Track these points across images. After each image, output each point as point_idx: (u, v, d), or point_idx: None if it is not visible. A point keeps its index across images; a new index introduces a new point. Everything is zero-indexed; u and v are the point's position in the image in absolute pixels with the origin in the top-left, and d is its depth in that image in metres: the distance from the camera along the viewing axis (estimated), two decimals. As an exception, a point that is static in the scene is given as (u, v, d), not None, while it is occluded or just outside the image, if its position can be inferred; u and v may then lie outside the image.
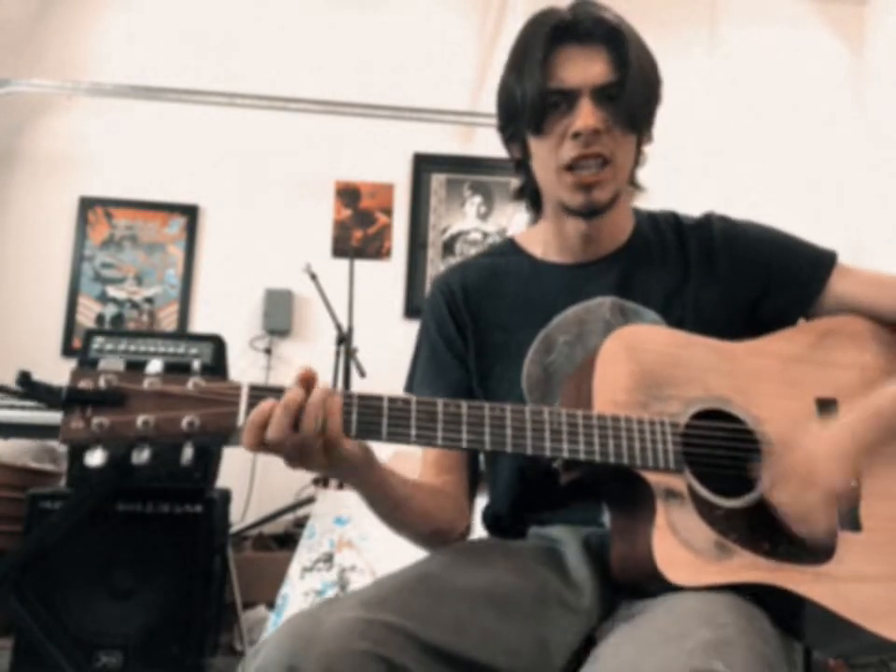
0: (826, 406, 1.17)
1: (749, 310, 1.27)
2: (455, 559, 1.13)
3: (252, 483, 3.71)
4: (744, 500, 1.08)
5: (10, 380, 0.98)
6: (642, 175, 1.34)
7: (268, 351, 4.10)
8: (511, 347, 1.28)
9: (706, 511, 1.05)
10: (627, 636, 0.93)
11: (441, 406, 1.02)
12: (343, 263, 3.70)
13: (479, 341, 1.31)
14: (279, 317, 4.12)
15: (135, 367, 0.96)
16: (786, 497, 1.07)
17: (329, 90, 4.16)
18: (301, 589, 2.38)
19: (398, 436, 1.00)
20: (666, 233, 1.33)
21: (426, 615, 0.98)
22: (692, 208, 1.40)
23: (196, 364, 0.98)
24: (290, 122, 4.18)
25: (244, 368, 3.86)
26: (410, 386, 1.37)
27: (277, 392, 0.98)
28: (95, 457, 0.94)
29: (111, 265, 4.17)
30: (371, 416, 1.00)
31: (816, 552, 1.06)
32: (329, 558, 2.45)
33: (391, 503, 1.16)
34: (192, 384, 0.95)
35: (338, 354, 3.50)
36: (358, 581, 2.32)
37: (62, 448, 3.23)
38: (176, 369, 0.98)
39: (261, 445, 0.96)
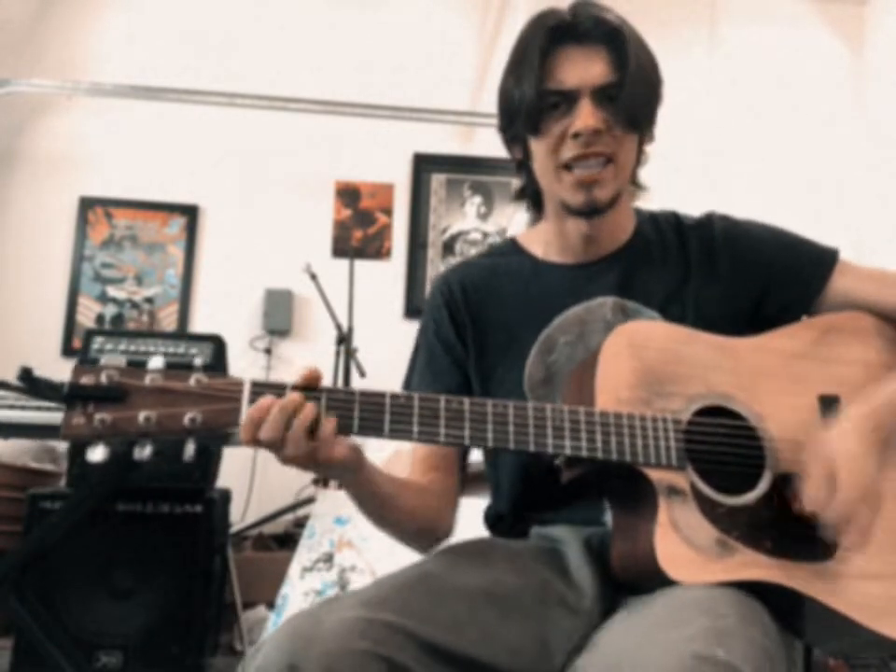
0: (829, 403, 1.17)
1: (751, 309, 1.27)
2: (455, 559, 1.12)
3: (252, 482, 3.71)
4: (746, 498, 1.08)
5: (11, 379, 0.98)
6: (642, 174, 1.34)
7: (268, 351, 4.10)
8: (512, 348, 1.28)
9: (708, 508, 1.05)
10: (626, 623, 0.94)
11: (444, 403, 1.02)
12: (343, 263, 3.70)
13: (479, 341, 1.31)
14: (279, 317, 4.12)
15: (136, 364, 0.96)
16: (830, 512, 1.04)
17: (329, 90, 4.17)
18: (300, 589, 2.38)
19: (400, 432, 1.00)
20: (667, 233, 1.33)
21: (426, 614, 0.98)
22: (691, 208, 1.40)
23: (198, 360, 0.98)
24: (290, 122, 4.19)
25: (244, 368, 3.85)
26: (407, 387, 1.36)
27: (279, 388, 0.98)
28: (97, 454, 0.94)
29: (111, 265, 4.17)
30: (373, 413, 1.00)
31: (817, 549, 1.06)
32: (328, 558, 2.45)
33: (378, 501, 1.17)
34: (194, 380, 0.95)
35: (338, 354, 3.50)
36: (358, 581, 2.32)
37: (62, 448, 3.23)
38: (178, 368, 0.98)
39: (256, 441, 0.97)
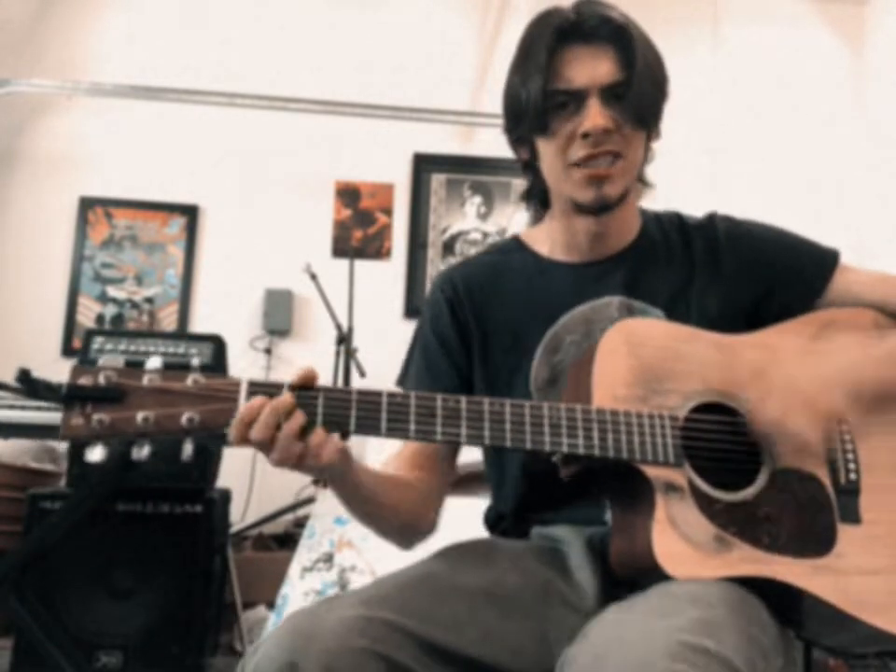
0: None
1: (753, 309, 1.27)
2: (456, 559, 1.13)
3: (252, 483, 3.70)
4: (744, 494, 1.08)
5: (10, 380, 0.98)
6: (646, 172, 1.34)
7: (268, 351, 4.10)
8: (517, 348, 1.27)
9: (705, 504, 1.05)
10: (617, 615, 0.94)
11: (440, 401, 1.02)
12: (343, 263, 3.70)
13: (483, 342, 1.30)
14: (279, 317, 4.12)
15: (133, 366, 0.96)
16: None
17: (329, 90, 4.17)
18: (300, 589, 2.38)
19: (396, 431, 1.00)
20: (671, 233, 1.33)
21: (425, 613, 0.98)
22: (692, 206, 1.40)
23: (195, 360, 0.98)
24: (290, 122, 4.19)
25: (244, 368, 3.85)
26: (401, 384, 1.35)
27: (276, 388, 0.98)
28: (95, 454, 0.95)
29: (111, 265, 4.17)
30: (370, 412, 1.00)
31: (815, 545, 1.07)
32: (329, 558, 2.45)
33: (362, 498, 1.16)
34: (192, 380, 0.96)
35: (338, 354, 3.50)
36: (358, 581, 2.32)
37: (62, 448, 3.23)
38: (174, 369, 0.98)
39: (246, 441, 0.97)
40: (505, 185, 4.33)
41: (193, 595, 2.71)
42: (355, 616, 0.93)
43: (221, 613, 2.99)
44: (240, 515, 3.55)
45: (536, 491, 1.25)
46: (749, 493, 1.08)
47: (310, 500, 3.35)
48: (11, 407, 2.35)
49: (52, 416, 2.26)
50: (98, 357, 2.63)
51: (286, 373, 1.05)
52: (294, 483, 3.47)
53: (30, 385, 0.94)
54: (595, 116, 1.17)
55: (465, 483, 1.67)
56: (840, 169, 4.41)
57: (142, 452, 0.96)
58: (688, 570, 0.99)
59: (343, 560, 2.44)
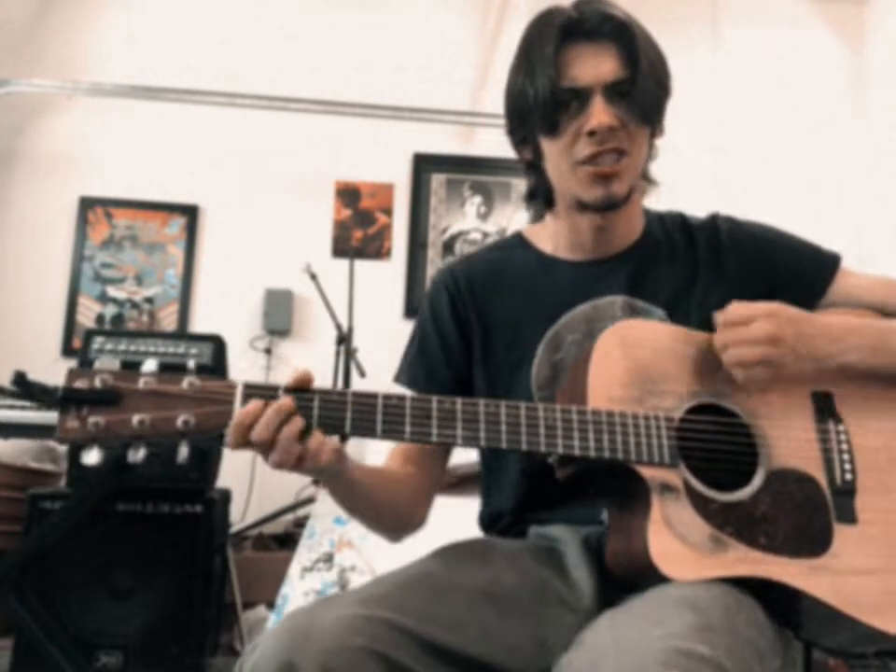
0: (821, 399, 1.17)
1: None
2: (454, 558, 1.13)
3: (252, 483, 3.70)
4: (740, 494, 1.08)
5: (9, 380, 0.98)
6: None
7: (268, 351, 4.10)
8: (519, 345, 1.27)
9: (701, 504, 1.05)
10: (612, 620, 0.94)
11: (436, 403, 1.02)
12: (343, 263, 3.70)
13: (484, 338, 1.30)
14: (279, 317, 4.12)
15: (131, 367, 0.97)
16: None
17: (329, 90, 4.17)
18: (300, 589, 2.38)
19: (392, 433, 1.00)
20: (674, 233, 1.33)
21: (424, 612, 0.98)
22: (693, 205, 1.40)
23: (191, 363, 0.99)
24: (290, 122, 4.19)
25: (244, 368, 3.86)
26: (397, 380, 1.35)
27: (272, 390, 0.98)
28: (91, 456, 0.95)
29: (111, 265, 4.17)
30: (366, 414, 1.00)
31: (812, 545, 1.07)
32: (328, 558, 2.45)
33: (354, 495, 1.17)
34: (187, 383, 0.96)
35: (338, 354, 3.50)
36: (358, 581, 2.32)
37: (62, 448, 3.23)
38: (173, 369, 0.98)
39: (245, 445, 0.97)
40: (505, 185, 4.33)
41: (193, 595, 2.71)
42: (353, 615, 0.93)
43: (221, 613, 2.99)
44: (240, 515, 3.55)
45: (533, 491, 1.25)
46: (744, 493, 1.08)
47: (310, 500, 3.35)
48: (11, 407, 2.36)
49: (52, 416, 2.22)
50: (98, 357, 2.63)
51: (286, 373, 1.05)
52: (294, 483, 3.47)
53: (25, 388, 0.94)
54: (599, 113, 1.17)
55: (464, 484, 1.67)
56: (840, 169, 4.40)
57: (138, 454, 0.96)
58: (683, 570, 0.99)
59: (343, 560, 2.44)
